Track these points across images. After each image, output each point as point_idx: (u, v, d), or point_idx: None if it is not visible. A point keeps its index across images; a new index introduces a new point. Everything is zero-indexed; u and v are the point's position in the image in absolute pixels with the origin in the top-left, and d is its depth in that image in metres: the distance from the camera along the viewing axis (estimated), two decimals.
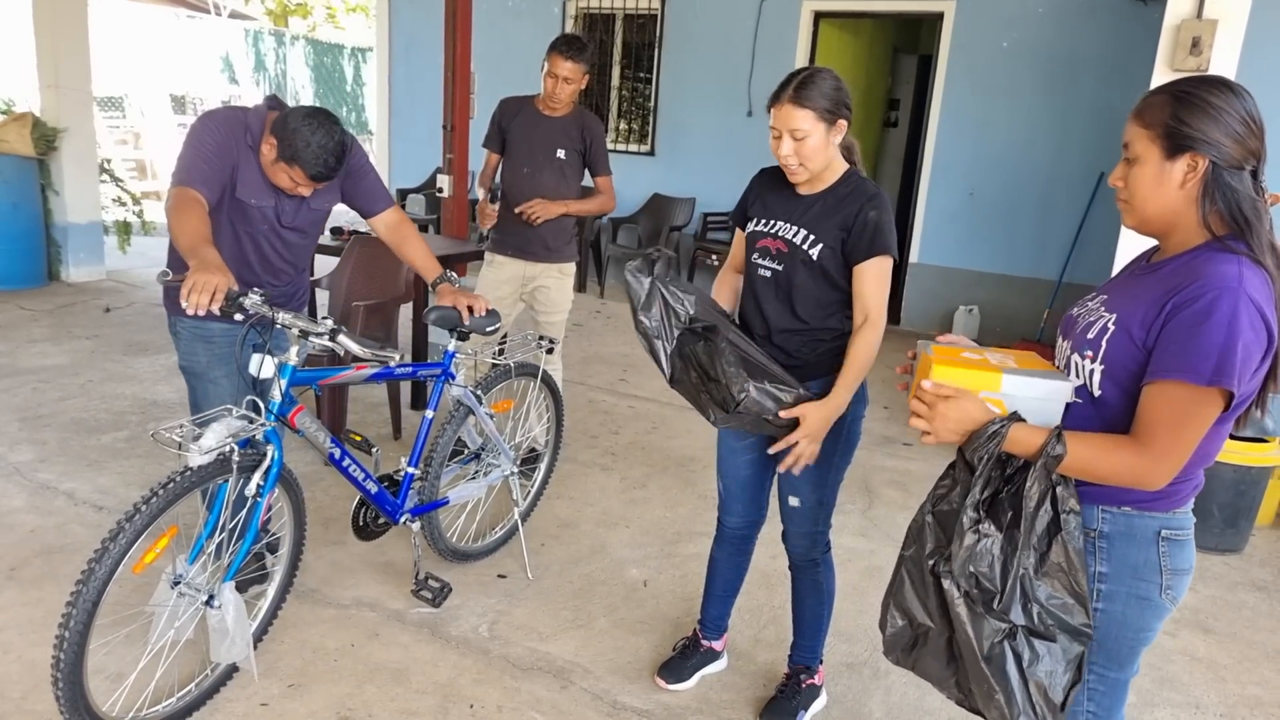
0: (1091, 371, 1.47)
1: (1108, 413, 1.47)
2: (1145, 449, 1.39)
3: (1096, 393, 1.47)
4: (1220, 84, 1.44)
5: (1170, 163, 1.43)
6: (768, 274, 2.18)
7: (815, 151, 2.05)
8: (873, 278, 2.09)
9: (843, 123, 2.07)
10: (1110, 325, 1.46)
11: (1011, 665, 1.47)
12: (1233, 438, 3.45)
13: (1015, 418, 1.45)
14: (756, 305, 2.22)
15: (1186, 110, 1.41)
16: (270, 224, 2.49)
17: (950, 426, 1.46)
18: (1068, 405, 1.49)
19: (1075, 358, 1.51)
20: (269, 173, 2.38)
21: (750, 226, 2.24)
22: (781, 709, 2.40)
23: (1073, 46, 6.18)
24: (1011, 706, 1.48)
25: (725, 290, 2.37)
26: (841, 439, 2.19)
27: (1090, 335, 1.48)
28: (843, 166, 2.16)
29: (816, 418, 2.05)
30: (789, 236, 2.14)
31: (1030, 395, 1.47)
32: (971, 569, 1.47)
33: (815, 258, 2.10)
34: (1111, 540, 1.51)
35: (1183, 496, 1.51)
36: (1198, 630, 3.02)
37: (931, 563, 1.54)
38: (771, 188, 2.23)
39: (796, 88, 2.02)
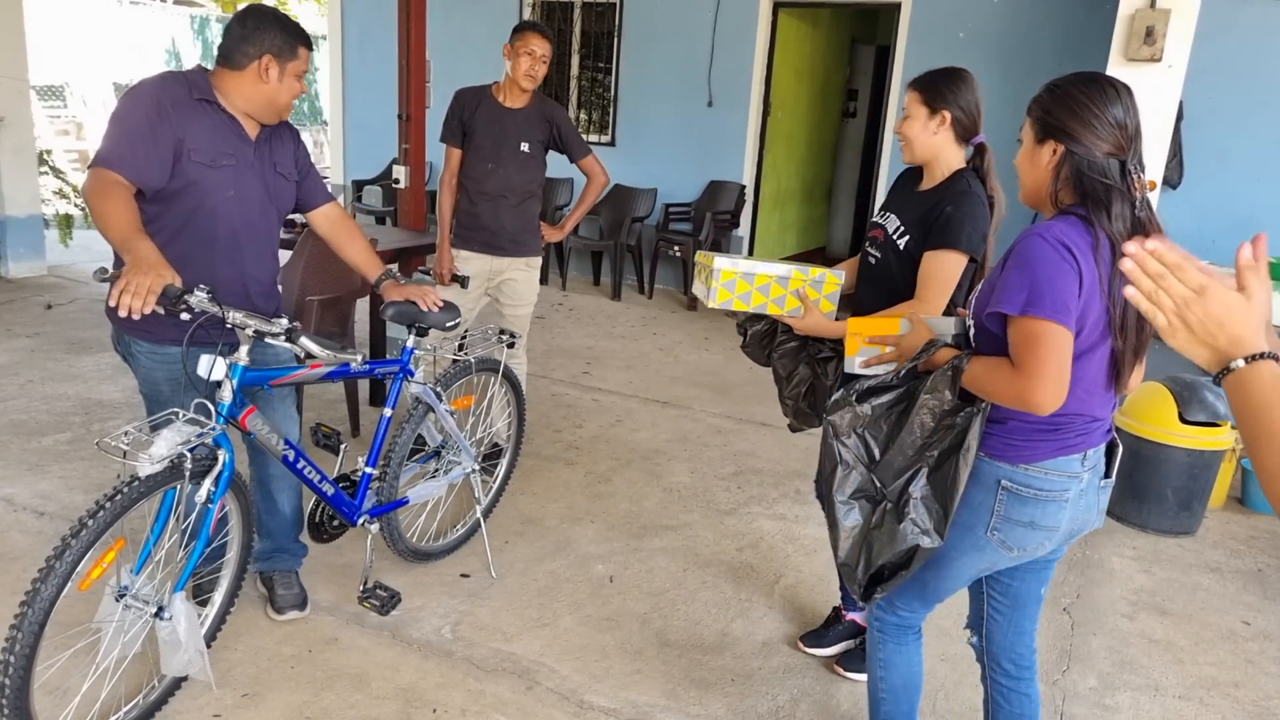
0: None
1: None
2: (1015, 368, 1.58)
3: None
4: (1092, 81, 1.61)
5: (1040, 146, 1.67)
6: (872, 260, 2.29)
7: (915, 134, 2.17)
8: (930, 264, 2.12)
9: (945, 114, 2.13)
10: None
11: (859, 518, 1.78)
12: (1185, 422, 3.52)
13: (937, 344, 1.76)
14: (859, 287, 2.36)
15: (1054, 104, 1.63)
16: (237, 188, 2.28)
17: (903, 351, 1.81)
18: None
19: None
20: (282, 94, 2.27)
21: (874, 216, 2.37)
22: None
23: (1027, 36, 6.24)
24: (839, 547, 1.78)
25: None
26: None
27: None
28: (957, 165, 2.19)
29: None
30: (887, 225, 2.24)
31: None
32: (864, 432, 1.79)
33: (903, 247, 2.18)
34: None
35: (1033, 454, 1.65)
36: (1155, 613, 3.07)
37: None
38: (905, 183, 2.35)
39: (917, 75, 2.20)
